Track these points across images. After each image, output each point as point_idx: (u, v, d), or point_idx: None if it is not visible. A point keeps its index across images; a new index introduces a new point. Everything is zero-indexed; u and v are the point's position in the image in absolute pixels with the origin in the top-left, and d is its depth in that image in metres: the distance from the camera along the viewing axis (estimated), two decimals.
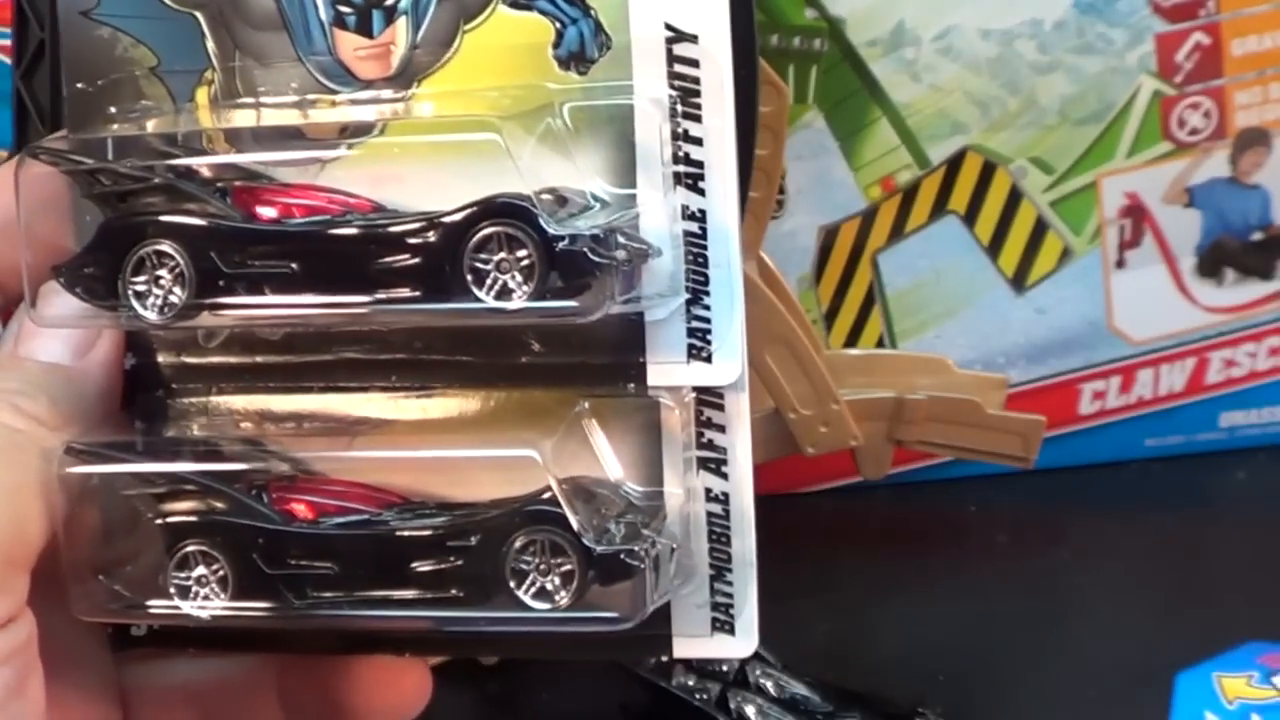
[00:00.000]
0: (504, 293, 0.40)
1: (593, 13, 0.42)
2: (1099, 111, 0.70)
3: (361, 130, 0.43)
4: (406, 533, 0.42)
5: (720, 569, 0.43)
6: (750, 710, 0.55)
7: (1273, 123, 0.71)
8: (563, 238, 0.39)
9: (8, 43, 0.46)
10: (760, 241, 0.63)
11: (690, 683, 0.56)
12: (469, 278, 0.40)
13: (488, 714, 0.61)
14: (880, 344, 0.72)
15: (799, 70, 0.68)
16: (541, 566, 0.41)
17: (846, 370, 0.66)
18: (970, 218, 0.71)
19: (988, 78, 0.69)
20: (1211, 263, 0.72)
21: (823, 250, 0.71)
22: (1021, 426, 0.66)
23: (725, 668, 0.57)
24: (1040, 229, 0.71)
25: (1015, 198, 0.71)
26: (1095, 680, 0.59)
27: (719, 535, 0.43)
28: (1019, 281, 0.71)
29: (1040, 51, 0.69)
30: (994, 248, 0.71)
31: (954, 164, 0.70)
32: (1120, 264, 0.72)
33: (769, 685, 0.56)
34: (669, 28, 0.41)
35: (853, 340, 0.72)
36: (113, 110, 0.44)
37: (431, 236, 0.40)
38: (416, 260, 0.40)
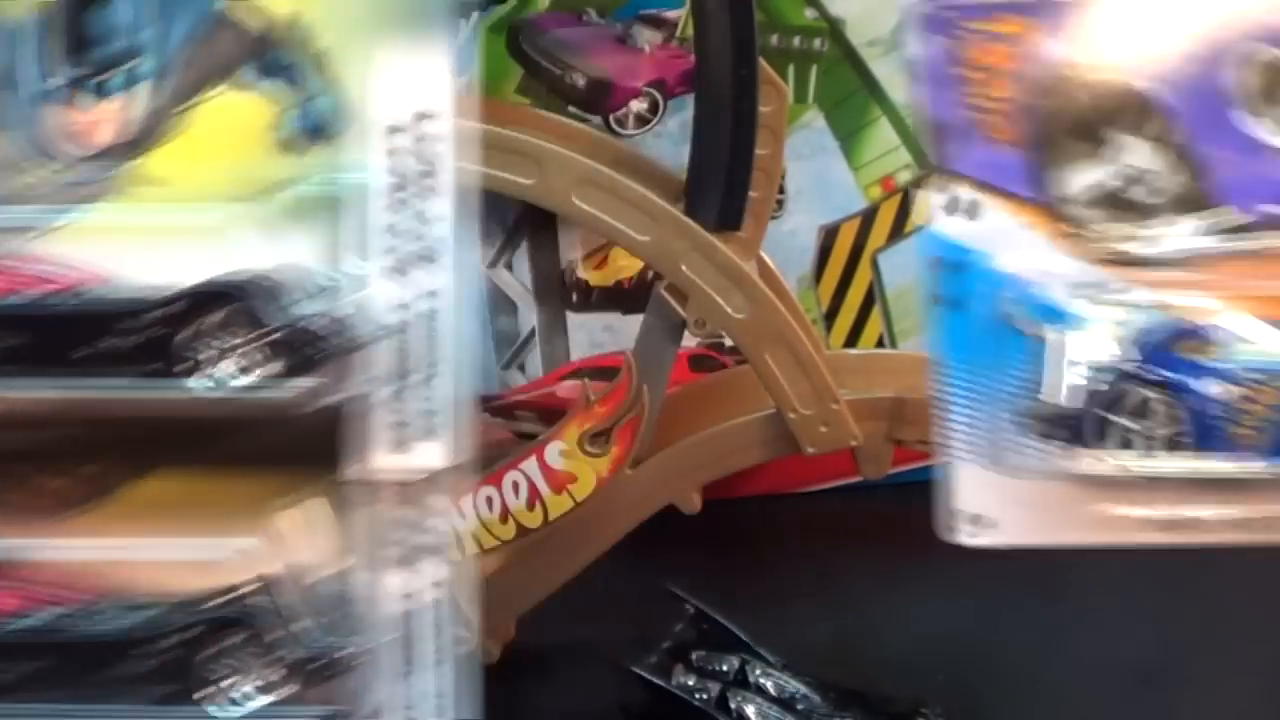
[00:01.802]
0: (220, 379, 0.38)
1: (321, 92, 0.40)
2: None
3: (78, 200, 0.40)
4: (93, 634, 0.39)
5: (438, 659, 0.41)
6: (750, 710, 0.55)
7: None
8: (286, 324, 0.38)
9: None
10: (760, 241, 0.63)
11: (690, 682, 0.56)
12: (183, 364, 0.38)
13: (487, 714, 0.61)
14: (880, 344, 0.72)
15: (799, 70, 0.68)
16: (233, 671, 0.39)
17: (846, 370, 0.65)
18: None
19: None
20: None
21: (823, 250, 0.71)
22: None
23: (725, 667, 0.57)
24: None
25: None
26: (1095, 680, 0.59)
27: (436, 624, 0.41)
28: None
29: None
30: None
31: None
32: None
33: (769, 685, 0.56)
34: (403, 107, 0.40)
35: (853, 340, 0.72)
36: None
37: (145, 320, 0.38)
38: (127, 343, 0.38)
